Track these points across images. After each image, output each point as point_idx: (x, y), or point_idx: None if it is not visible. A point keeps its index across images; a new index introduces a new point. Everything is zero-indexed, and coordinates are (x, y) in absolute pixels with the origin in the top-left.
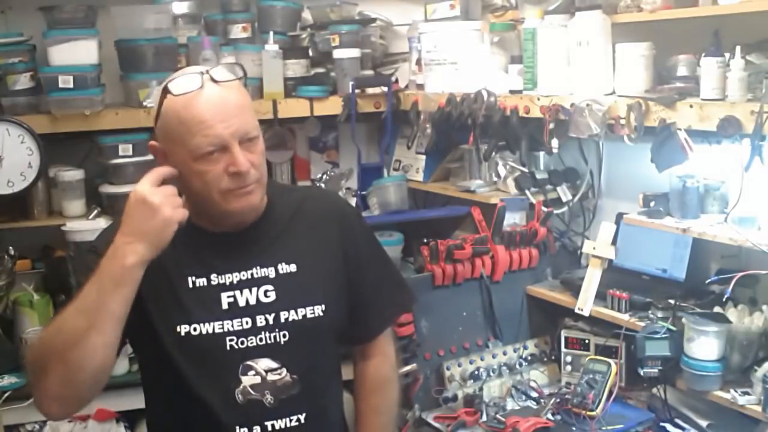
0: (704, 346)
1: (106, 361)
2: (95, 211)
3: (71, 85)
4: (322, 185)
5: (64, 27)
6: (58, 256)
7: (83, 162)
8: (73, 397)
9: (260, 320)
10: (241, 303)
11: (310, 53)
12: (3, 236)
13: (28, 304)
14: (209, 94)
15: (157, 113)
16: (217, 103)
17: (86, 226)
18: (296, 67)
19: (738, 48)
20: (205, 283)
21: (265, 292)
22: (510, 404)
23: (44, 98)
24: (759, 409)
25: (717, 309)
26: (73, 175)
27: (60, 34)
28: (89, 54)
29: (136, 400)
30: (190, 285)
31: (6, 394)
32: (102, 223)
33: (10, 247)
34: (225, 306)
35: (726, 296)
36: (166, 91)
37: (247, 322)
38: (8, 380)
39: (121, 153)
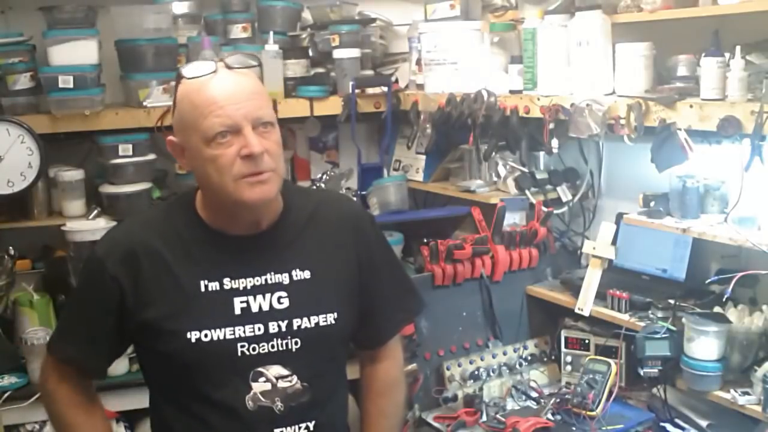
0: (704, 346)
1: None
2: (95, 211)
3: (71, 85)
4: (322, 185)
5: (64, 27)
6: (58, 256)
7: (83, 162)
8: None
9: (273, 327)
10: (254, 309)
11: (310, 53)
12: (3, 236)
13: (28, 304)
14: (222, 78)
15: (173, 106)
16: (230, 87)
17: (86, 226)
18: (296, 67)
19: (738, 48)
20: (218, 288)
21: (279, 298)
22: (510, 404)
23: (44, 98)
24: (759, 409)
25: (717, 309)
26: (73, 175)
27: (60, 34)
28: (89, 54)
29: (136, 400)
30: (203, 289)
31: (6, 394)
32: (102, 223)
33: (10, 247)
34: (237, 311)
35: (726, 296)
36: (180, 77)
37: (259, 329)
38: (8, 380)
39: (121, 153)
